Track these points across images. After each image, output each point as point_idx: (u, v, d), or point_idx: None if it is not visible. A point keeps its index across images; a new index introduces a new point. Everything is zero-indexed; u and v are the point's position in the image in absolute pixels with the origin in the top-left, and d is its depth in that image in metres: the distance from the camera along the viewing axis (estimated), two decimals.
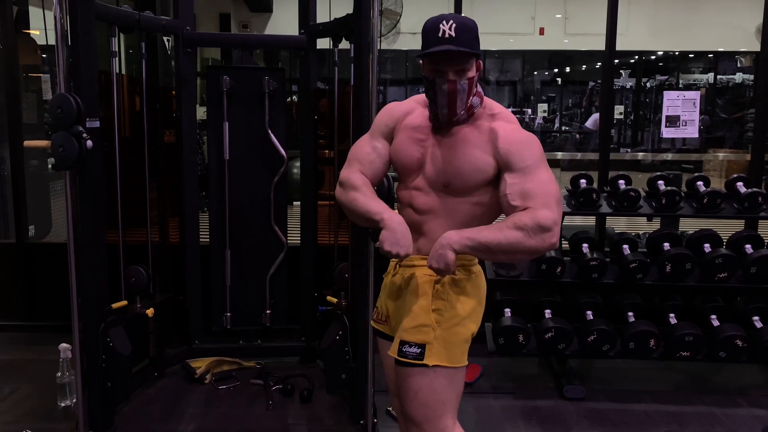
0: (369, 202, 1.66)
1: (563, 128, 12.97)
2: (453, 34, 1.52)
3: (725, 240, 3.19)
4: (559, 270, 3.05)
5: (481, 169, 1.59)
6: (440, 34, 1.53)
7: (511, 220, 1.53)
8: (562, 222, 3.47)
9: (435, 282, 1.66)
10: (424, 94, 1.71)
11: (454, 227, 1.62)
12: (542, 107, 12.74)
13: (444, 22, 1.54)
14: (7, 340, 3.66)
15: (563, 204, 3.14)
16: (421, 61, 1.62)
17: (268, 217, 3.29)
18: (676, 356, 2.97)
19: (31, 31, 4.23)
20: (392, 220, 1.59)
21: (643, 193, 3.20)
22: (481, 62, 1.60)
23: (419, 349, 1.63)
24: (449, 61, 1.55)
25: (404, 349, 1.64)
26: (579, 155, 9.81)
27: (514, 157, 1.56)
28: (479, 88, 1.63)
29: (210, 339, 3.35)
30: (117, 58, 2.85)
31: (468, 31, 1.54)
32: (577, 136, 12.59)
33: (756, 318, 3.05)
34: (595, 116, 12.00)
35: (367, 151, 1.76)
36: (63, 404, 2.86)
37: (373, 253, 2.49)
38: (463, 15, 1.60)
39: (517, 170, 1.56)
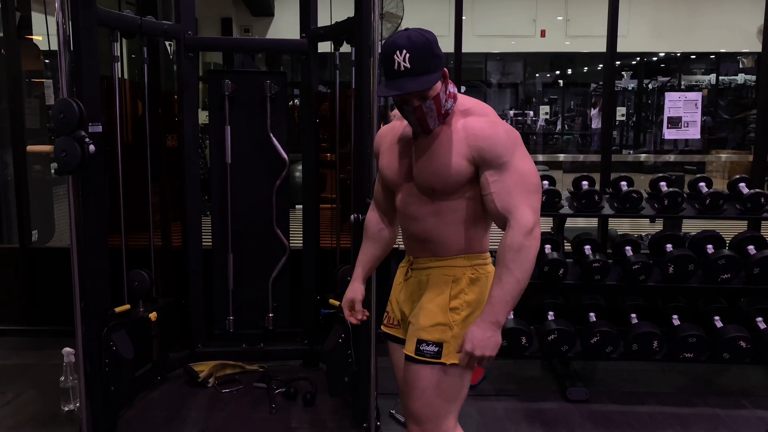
0: (359, 259, 1.91)
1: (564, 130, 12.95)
2: (408, 65, 1.51)
3: (728, 241, 3.18)
4: (561, 272, 3.05)
5: (457, 171, 1.59)
6: (395, 67, 1.52)
7: (504, 257, 1.52)
8: (565, 222, 3.49)
9: (452, 281, 1.67)
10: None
11: (460, 225, 1.64)
12: (544, 109, 12.75)
13: (398, 53, 1.51)
14: (11, 344, 3.66)
15: (566, 205, 3.16)
16: None
17: (270, 220, 3.30)
18: (679, 358, 2.96)
19: (33, 37, 4.25)
20: (350, 287, 1.89)
21: (645, 195, 3.19)
22: (445, 70, 1.58)
23: (437, 348, 1.64)
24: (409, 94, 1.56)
25: (422, 348, 1.65)
26: (581, 157, 9.80)
27: (487, 154, 1.56)
28: (451, 88, 1.62)
29: (213, 342, 3.36)
30: (119, 63, 2.86)
31: (422, 55, 1.52)
32: (579, 139, 12.58)
33: (759, 319, 3.04)
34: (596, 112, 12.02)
35: (376, 186, 1.89)
36: (66, 408, 2.86)
37: None
38: (417, 28, 1.56)
39: (493, 167, 1.56)
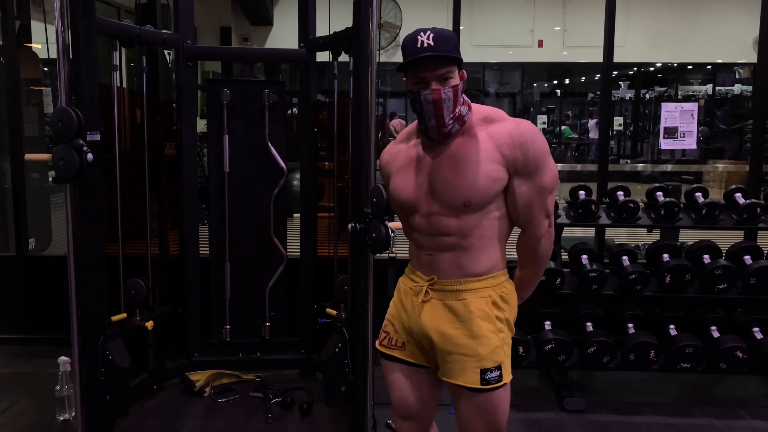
0: None
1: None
2: (432, 43, 1.50)
3: (724, 251, 3.19)
4: (558, 281, 3.06)
5: (496, 178, 1.57)
6: (419, 45, 1.51)
7: (525, 255, 1.75)
8: (562, 232, 3.50)
9: (492, 303, 1.66)
10: (405, 131, 1.75)
11: (489, 240, 1.64)
12: (542, 119, 12.80)
13: (422, 33, 1.52)
14: (7, 352, 3.65)
15: (563, 215, 3.17)
16: (404, 78, 1.60)
17: (267, 229, 3.30)
18: (676, 368, 2.96)
19: (32, 45, 4.26)
20: None
21: (642, 205, 3.20)
22: (464, 72, 1.58)
23: (498, 372, 1.64)
24: (430, 69, 1.53)
25: (487, 377, 1.64)
26: (579, 166, 9.82)
27: (520, 163, 1.58)
28: (466, 98, 1.61)
29: (209, 352, 3.35)
30: (118, 72, 2.87)
31: (447, 40, 1.52)
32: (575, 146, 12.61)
33: (756, 329, 3.04)
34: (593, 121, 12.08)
35: None
36: (62, 418, 2.85)
37: (372, 265, 2.49)
38: (443, 28, 1.59)
39: (522, 176, 1.59)
